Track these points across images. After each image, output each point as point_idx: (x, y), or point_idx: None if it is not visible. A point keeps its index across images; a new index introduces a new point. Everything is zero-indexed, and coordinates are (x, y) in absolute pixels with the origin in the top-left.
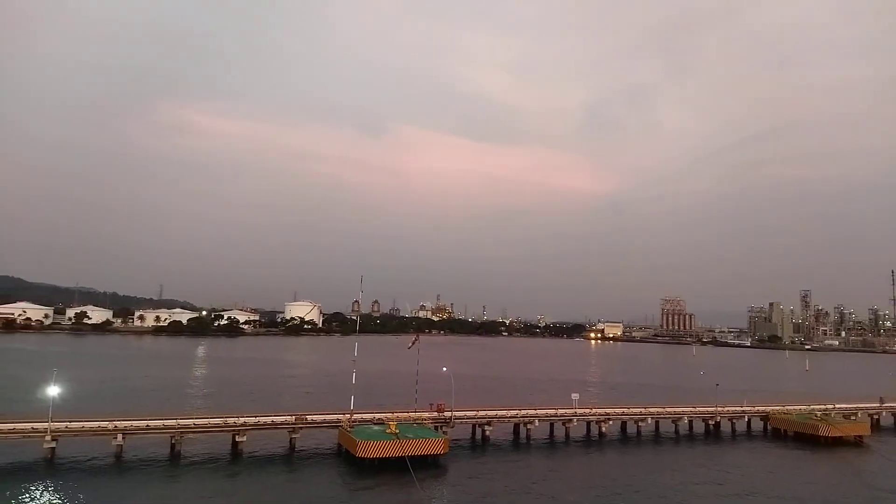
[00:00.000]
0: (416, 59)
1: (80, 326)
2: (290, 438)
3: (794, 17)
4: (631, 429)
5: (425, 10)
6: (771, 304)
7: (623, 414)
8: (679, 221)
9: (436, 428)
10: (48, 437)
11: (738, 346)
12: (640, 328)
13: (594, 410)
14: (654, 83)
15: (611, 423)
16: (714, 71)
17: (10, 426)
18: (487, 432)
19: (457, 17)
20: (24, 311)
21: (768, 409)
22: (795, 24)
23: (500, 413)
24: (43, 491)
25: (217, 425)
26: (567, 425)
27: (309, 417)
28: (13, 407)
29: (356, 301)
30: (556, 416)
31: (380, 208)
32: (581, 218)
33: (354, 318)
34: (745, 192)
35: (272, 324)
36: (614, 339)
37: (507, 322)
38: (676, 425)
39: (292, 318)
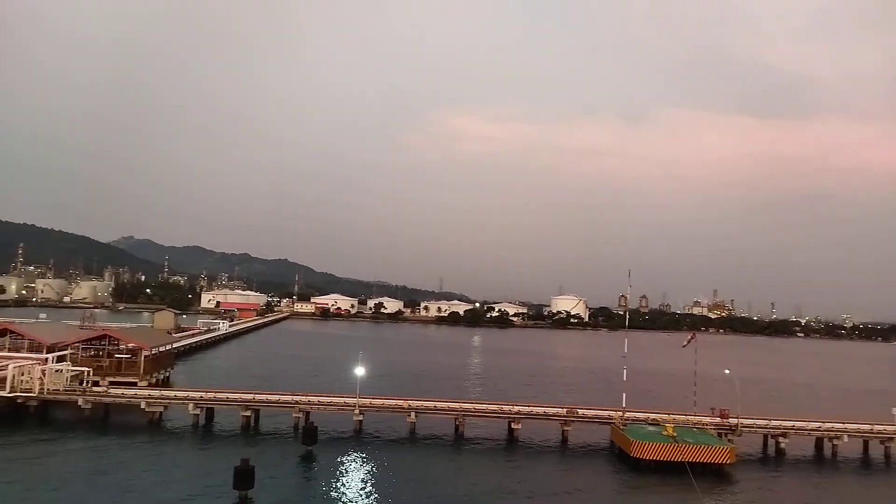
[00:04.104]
0: (680, 34)
1: (377, 315)
2: (563, 430)
3: None
4: None
5: None
6: None
7: None
8: None
9: (719, 435)
10: (356, 411)
11: None
12: None
13: None
14: None
15: None
16: None
17: (329, 400)
18: (782, 445)
19: None
20: (336, 302)
21: None
22: None
23: (797, 424)
24: (356, 456)
25: (494, 411)
26: (887, 444)
27: (580, 411)
28: (331, 383)
29: (623, 296)
30: (871, 432)
31: (647, 198)
32: None
33: (621, 312)
34: None
35: (539, 317)
36: None
37: (803, 321)
38: None
39: (558, 312)
